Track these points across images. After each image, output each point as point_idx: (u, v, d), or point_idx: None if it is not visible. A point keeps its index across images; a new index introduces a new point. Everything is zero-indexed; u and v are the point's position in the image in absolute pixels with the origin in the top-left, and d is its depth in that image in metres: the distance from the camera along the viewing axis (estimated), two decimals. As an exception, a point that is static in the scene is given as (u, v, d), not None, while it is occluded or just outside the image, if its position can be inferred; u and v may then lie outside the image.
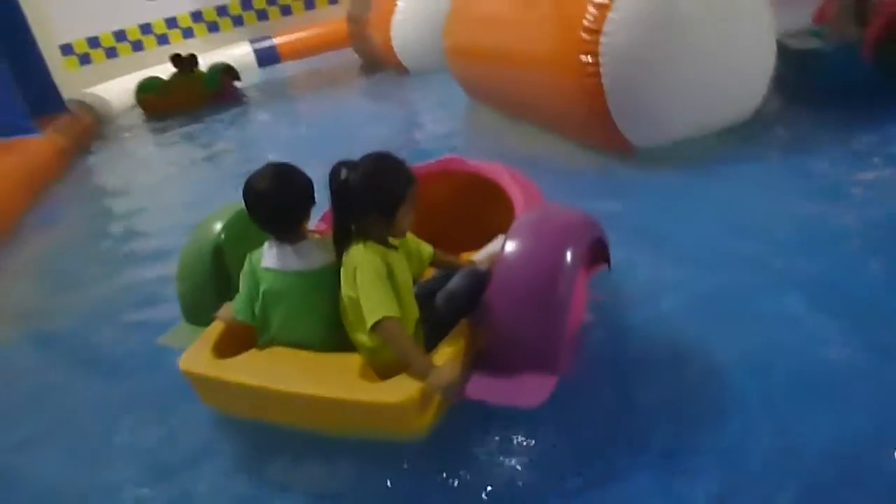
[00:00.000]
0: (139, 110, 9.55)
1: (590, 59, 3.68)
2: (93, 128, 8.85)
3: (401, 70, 7.86)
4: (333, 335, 2.19)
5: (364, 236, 2.09)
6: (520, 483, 1.85)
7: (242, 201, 2.20)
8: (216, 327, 2.30)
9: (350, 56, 10.16)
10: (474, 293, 2.18)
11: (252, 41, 11.48)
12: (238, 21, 11.82)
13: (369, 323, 1.93)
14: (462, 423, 2.01)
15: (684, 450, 1.84)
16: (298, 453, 2.11)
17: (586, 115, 3.89)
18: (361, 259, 2.03)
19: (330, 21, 11.77)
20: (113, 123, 9.40)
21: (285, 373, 2.06)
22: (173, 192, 5.73)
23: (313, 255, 2.19)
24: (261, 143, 6.81)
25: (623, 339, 2.37)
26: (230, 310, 2.32)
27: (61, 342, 3.27)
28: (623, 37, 3.60)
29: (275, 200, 2.17)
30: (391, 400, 1.85)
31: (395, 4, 7.55)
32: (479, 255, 2.48)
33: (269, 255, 2.20)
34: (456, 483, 1.90)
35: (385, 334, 1.93)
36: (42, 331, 3.46)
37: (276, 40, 11.56)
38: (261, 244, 2.30)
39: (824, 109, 4.16)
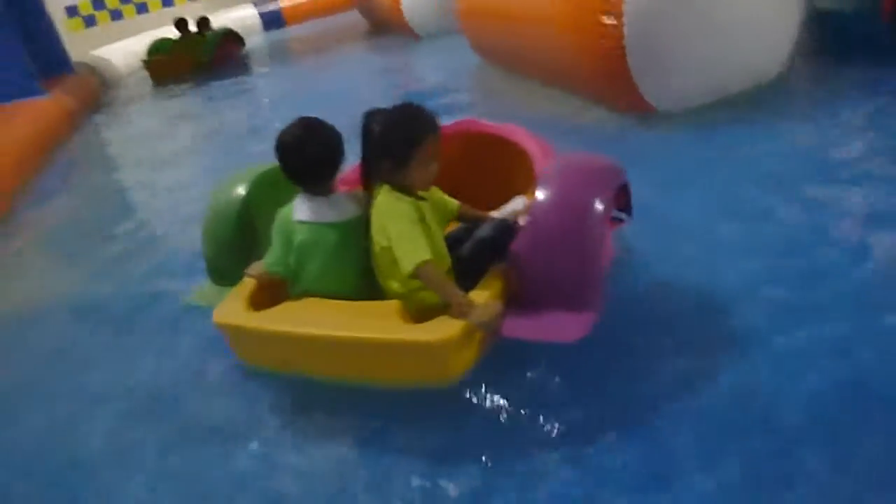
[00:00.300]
0: (145, 74, 9.55)
1: (612, 19, 3.64)
2: (99, 91, 8.79)
3: (409, 34, 7.77)
4: (365, 284, 2.25)
5: (388, 183, 2.13)
6: (550, 429, 1.87)
7: (259, 163, 2.21)
8: (247, 283, 2.32)
9: (354, 19, 10.07)
10: (502, 242, 2.22)
11: (256, 4, 11.33)
12: (243, -17, 11.68)
13: (407, 268, 1.97)
14: (490, 372, 2.02)
15: (702, 387, 1.89)
16: (331, 407, 2.13)
17: (607, 75, 3.85)
18: (392, 207, 2.07)
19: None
20: (119, 86, 9.34)
21: (323, 319, 2.08)
22: (181, 156, 5.73)
23: (346, 207, 2.23)
24: (267, 106, 6.78)
25: (644, 285, 2.40)
26: (261, 266, 2.34)
27: (82, 309, 3.24)
28: (646, -2, 3.55)
29: (308, 152, 2.20)
30: (433, 338, 1.87)
31: (405, -33, 7.43)
32: (500, 214, 2.48)
33: (301, 209, 2.23)
34: (491, 432, 1.91)
35: (424, 277, 1.97)
36: (63, 296, 3.45)
37: (281, 3, 11.41)
38: (282, 204, 2.33)
39: (845, 68, 4.12)
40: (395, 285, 2.14)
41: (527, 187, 2.69)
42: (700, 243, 2.60)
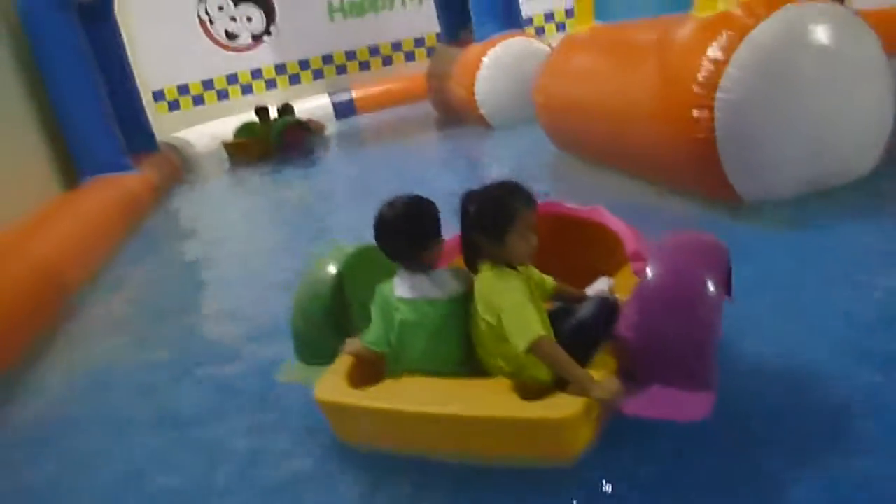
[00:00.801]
0: (222, 155, 10.01)
1: (705, 112, 3.72)
2: (181, 169, 9.20)
3: (482, 124, 8.00)
4: (467, 363, 2.24)
5: (489, 260, 2.16)
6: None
7: (344, 241, 2.28)
8: (344, 360, 2.33)
9: (423, 110, 10.45)
10: (605, 321, 2.22)
11: (331, 94, 11.86)
12: (318, 74, 12.25)
13: (524, 344, 1.97)
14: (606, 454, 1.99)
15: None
16: (444, 486, 2.09)
17: (697, 166, 3.90)
18: (500, 282, 2.10)
19: (405, 76, 12.15)
20: (197, 166, 9.76)
21: (436, 397, 2.07)
22: (256, 231, 5.99)
23: (448, 284, 2.25)
24: (339, 189, 6.94)
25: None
26: (358, 343, 2.37)
27: (161, 379, 3.27)
28: (740, 93, 3.63)
29: (410, 228, 2.25)
30: (558, 415, 1.85)
31: (481, 61, 7.73)
32: (589, 292, 2.50)
33: (402, 286, 2.25)
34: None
35: (541, 353, 1.97)
36: (140, 365, 3.50)
37: (354, 93, 11.90)
38: (375, 281, 2.39)
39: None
40: (500, 363, 2.13)
41: (611, 269, 2.73)
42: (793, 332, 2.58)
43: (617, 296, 2.40)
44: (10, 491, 2.60)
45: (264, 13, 11.87)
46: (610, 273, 2.73)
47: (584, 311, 2.29)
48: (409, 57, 12.55)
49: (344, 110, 11.71)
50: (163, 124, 10.55)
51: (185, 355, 3.47)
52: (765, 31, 3.64)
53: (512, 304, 2.05)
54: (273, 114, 9.50)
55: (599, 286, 2.56)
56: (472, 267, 2.25)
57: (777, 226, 3.69)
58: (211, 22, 11.67)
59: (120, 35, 8.63)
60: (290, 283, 3.93)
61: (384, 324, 2.27)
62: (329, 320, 2.51)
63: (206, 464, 2.48)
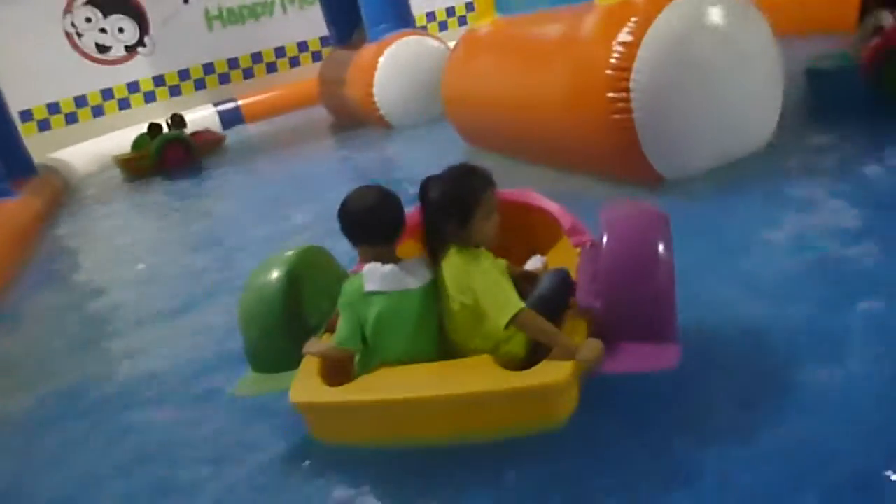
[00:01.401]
0: (102, 175, 9.67)
1: (621, 94, 3.88)
2: (62, 192, 8.64)
3: (382, 125, 7.98)
4: (440, 348, 2.28)
5: (455, 244, 2.21)
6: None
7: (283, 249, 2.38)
8: (311, 362, 2.30)
9: (315, 115, 10.31)
10: (565, 293, 2.35)
11: (216, 103, 11.47)
12: (200, 84, 11.81)
13: (505, 319, 2.04)
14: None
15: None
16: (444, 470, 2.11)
17: (615, 149, 4.06)
18: (473, 264, 2.15)
19: (291, 83, 11.92)
20: (80, 187, 9.20)
21: (426, 381, 2.10)
22: (156, 249, 5.72)
23: (421, 272, 2.27)
24: (239, 205, 6.65)
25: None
26: (320, 345, 2.36)
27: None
28: (653, 74, 3.81)
29: (384, 213, 2.28)
30: (552, 380, 1.93)
31: (378, 61, 7.71)
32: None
33: (374, 279, 2.23)
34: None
35: (525, 324, 2.07)
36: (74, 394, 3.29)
37: (240, 101, 11.57)
38: (319, 283, 2.48)
39: (828, 126, 4.51)
40: (476, 343, 2.18)
41: (544, 246, 2.89)
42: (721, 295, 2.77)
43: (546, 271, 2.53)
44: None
45: (137, 24, 11.31)
46: (543, 251, 2.86)
47: (544, 285, 2.38)
48: (294, 62, 12.32)
49: (231, 119, 11.36)
50: (32, 146, 9.80)
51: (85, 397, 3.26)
52: (669, 15, 3.85)
53: (487, 282, 2.11)
54: (165, 127, 9.19)
55: (533, 264, 2.71)
56: (434, 253, 2.28)
57: (694, 198, 3.90)
58: (79, 35, 10.99)
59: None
60: (194, 307, 3.99)
61: (354, 321, 2.24)
62: (284, 324, 2.45)
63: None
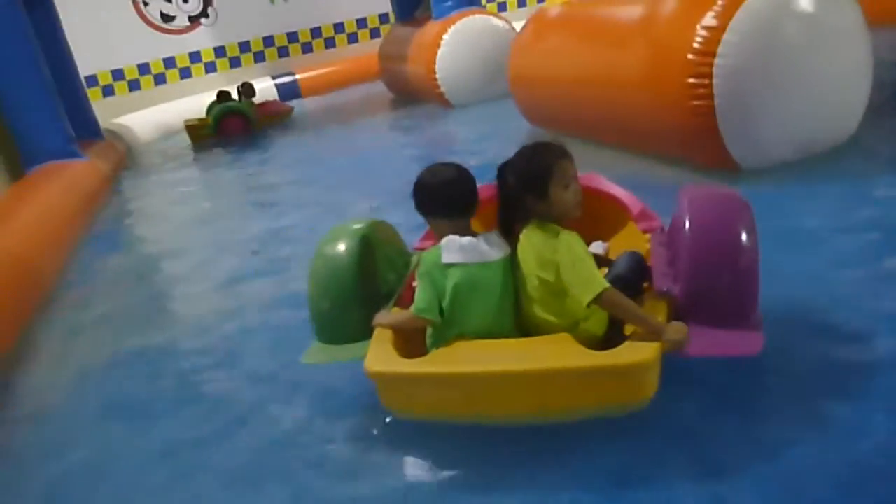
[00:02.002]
0: (164, 142, 9.87)
1: (702, 80, 3.80)
2: (125, 157, 8.82)
3: (442, 103, 7.96)
4: (516, 322, 2.29)
5: (536, 219, 2.23)
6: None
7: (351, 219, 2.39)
8: (384, 333, 2.30)
9: (373, 90, 10.34)
10: (640, 276, 2.35)
11: (274, 77, 11.57)
12: (259, 57, 11.93)
13: (590, 296, 2.04)
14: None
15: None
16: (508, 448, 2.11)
17: (693, 134, 3.99)
18: (558, 239, 2.15)
19: (349, 58, 11.96)
20: (140, 153, 9.39)
21: (505, 356, 2.08)
22: (218, 216, 5.78)
23: (499, 245, 2.29)
24: (302, 179, 6.60)
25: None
26: (392, 315, 2.37)
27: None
28: (737, 59, 3.73)
29: (463, 186, 2.32)
30: (638, 359, 1.91)
31: (441, 38, 7.68)
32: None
33: (452, 250, 2.24)
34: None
35: (609, 303, 2.04)
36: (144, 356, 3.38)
37: (298, 75, 11.65)
38: (385, 256, 2.53)
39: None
40: (553, 319, 2.19)
41: (608, 232, 2.87)
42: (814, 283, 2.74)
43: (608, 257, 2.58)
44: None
45: (201, -6, 11.46)
46: (607, 236, 2.86)
47: (620, 266, 2.38)
48: (352, 38, 12.36)
49: (288, 93, 11.44)
50: (97, 111, 10.03)
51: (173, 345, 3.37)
52: (757, 0, 3.74)
53: (572, 258, 2.11)
54: (235, 94, 9.40)
55: (594, 250, 2.64)
56: (509, 230, 2.31)
57: (774, 190, 3.82)
58: (145, 3, 11.18)
59: (58, 19, 8.18)
60: (257, 274, 4.06)
61: (432, 291, 2.25)
62: (356, 294, 2.45)
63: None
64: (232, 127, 8.83)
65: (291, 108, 9.73)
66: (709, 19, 3.82)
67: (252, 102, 9.31)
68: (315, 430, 2.44)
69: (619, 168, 4.67)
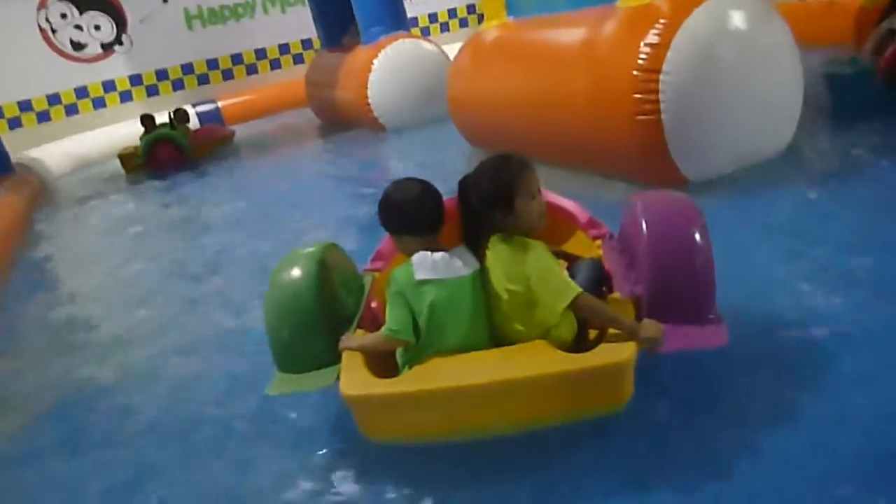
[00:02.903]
0: (79, 174, 9.46)
1: (650, 95, 3.89)
2: (39, 191, 8.34)
3: (375, 127, 7.91)
4: (490, 335, 2.28)
5: (502, 233, 2.24)
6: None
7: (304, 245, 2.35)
8: (353, 356, 2.23)
9: (299, 117, 10.19)
10: (600, 283, 2.42)
11: (195, 104, 11.24)
12: (178, 84, 11.58)
13: (564, 303, 2.07)
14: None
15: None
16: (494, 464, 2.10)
17: (640, 150, 4.07)
18: (525, 251, 2.18)
19: (274, 84, 11.76)
20: (55, 189, 8.89)
21: (488, 368, 2.06)
22: (140, 251, 5.47)
23: (469, 259, 2.28)
24: (234, 211, 6.30)
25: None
26: (360, 338, 2.31)
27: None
28: (682, 75, 3.83)
29: (430, 202, 2.31)
30: (618, 359, 1.94)
31: (372, 63, 7.64)
32: None
33: (425, 267, 2.22)
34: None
35: (584, 307, 2.09)
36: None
37: (220, 102, 11.36)
38: (342, 278, 2.50)
39: (846, 129, 4.64)
40: (525, 330, 2.20)
41: (558, 241, 2.90)
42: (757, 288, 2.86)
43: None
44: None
45: (113, 21, 11.04)
46: (556, 245, 2.84)
47: (580, 275, 2.42)
48: (275, 65, 12.15)
49: (210, 121, 11.09)
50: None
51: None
52: (698, 18, 3.88)
53: (542, 268, 2.13)
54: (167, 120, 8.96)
55: None
56: (475, 245, 2.29)
57: (716, 199, 3.92)
58: (53, 31, 10.68)
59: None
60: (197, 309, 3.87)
61: (407, 311, 2.21)
62: (317, 320, 2.36)
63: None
64: (163, 156, 8.35)
65: (233, 132, 9.35)
66: (651, 37, 3.92)
67: (187, 128, 8.94)
68: (289, 467, 2.32)
69: (564, 186, 4.68)
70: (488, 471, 2.07)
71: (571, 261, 2.57)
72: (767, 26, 4.08)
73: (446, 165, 5.72)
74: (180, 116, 9.02)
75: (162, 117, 9.11)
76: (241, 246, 4.89)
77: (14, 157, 9.18)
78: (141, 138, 8.64)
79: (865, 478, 1.80)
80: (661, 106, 3.88)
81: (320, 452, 2.33)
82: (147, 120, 8.76)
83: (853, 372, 2.22)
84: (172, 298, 4.20)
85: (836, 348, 2.35)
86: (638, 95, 3.95)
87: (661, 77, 3.85)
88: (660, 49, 3.87)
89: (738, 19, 3.96)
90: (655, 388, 2.22)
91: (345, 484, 2.16)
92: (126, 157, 8.64)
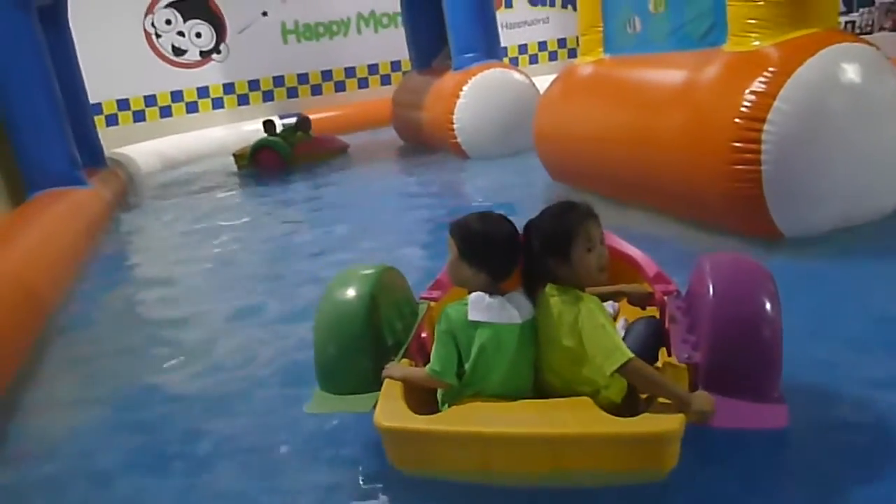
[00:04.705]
0: (165, 173, 9.84)
1: (750, 145, 3.73)
2: (127, 187, 8.65)
3: (457, 153, 7.90)
4: (533, 385, 2.22)
5: (558, 282, 2.17)
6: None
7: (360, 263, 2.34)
8: (393, 386, 2.19)
9: (382, 136, 10.30)
10: (656, 344, 2.33)
11: (282, 116, 11.48)
12: (268, 96, 11.90)
13: (613, 366, 1.96)
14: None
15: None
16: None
17: (736, 200, 3.90)
18: (582, 304, 2.09)
19: (360, 102, 11.97)
20: (141, 184, 9.22)
21: (524, 418, 2.00)
22: (225, 253, 5.58)
23: (524, 306, 2.21)
24: (311, 219, 6.55)
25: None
26: (403, 368, 2.28)
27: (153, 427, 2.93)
28: (788, 127, 3.66)
29: (518, 245, 2.24)
30: (659, 429, 1.85)
31: (461, 89, 7.66)
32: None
33: (480, 308, 2.17)
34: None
35: (634, 373, 1.98)
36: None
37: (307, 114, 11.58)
38: (393, 304, 2.47)
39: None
40: (575, 386, 2.12)
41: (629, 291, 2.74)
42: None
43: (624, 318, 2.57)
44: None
45: (214, 30, 11.46)
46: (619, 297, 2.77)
47: (635, 333, 2.37)
48: (363, 83, 12.38)
49: (295, 133, 11.33)
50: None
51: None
52: (810, 68, 3.71)
53: (593, 325, 2.04)
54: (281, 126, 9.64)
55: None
56: (533, 292, 2.23)
57: (812, 261, 3.72)
58: (157, 36, 11.16)
59: (73, 42, 8.08)
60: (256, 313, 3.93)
61: (453, 352, 2.17)
62: (365, 343, 2.35)
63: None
64: (266, 160, 8.95)
65: (347, 145, 9.65)
66: (758, 84, 3.77)
67: (307, 135, 9.43)
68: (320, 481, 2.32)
69: (647, 230, 4.58)
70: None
71: (628, 299, 2.54)
72: (882, 81, 3.87)
73: (525, 200, 5.64)
74: (302, 124, 9.51)
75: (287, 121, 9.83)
76: (310, 259, 4.97)
77: (107, 153, 9.59)
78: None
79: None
80: (763, 157, 3.72)
81: (353, 474, 2.32)
82: (268, 124, 9.44)
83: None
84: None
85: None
86: (738, 144, 3.80)
87: (765, 127, 3.69)
88: (766, 97, 3.71)
89: (852, 72, 3.77)
90: (702, 458, 2.08)
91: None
92: (238, 157, 9.27)
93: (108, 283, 5.11)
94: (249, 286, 4.57)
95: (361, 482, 2.28)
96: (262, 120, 9.63)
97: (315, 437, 2.56)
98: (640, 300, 2.58)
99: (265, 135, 9.29)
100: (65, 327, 4.18)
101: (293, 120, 9.81)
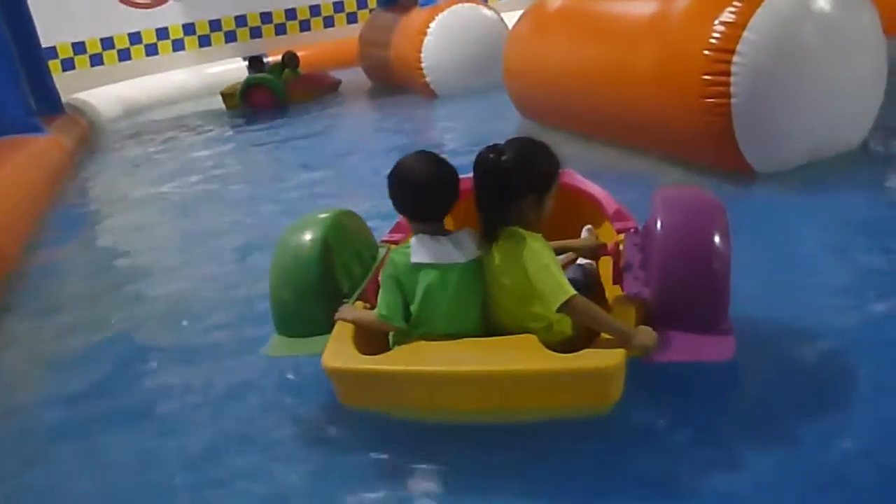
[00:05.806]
0: (123, 121, 9.50)
1: (720, 77, 3.68)
2: (89, 134, 8.39)
3: (426, 93, 7.75)
4: (483, 324, 2.22)
5: (517, 223, 2.12)
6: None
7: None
8: (344, 328, 2.21)
9: (349, 76, 10.05)
10: (586, 286, 2.36)
11: (245, 58, 11.14)
12: (231, 36, 11.52)
13: (558, 303, 1.97)
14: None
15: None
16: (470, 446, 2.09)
17: (706, 134, 3.88)
18: (526, 245, 2.07)
19: (326, 42, 11.64)
20: (102, 130, 8.94)
21: (466, 357, 2.02)
22: (190, 196, 5.52)
23: (469, 246, 2.19)
24: (281, 158, 6.48)
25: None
26: (355, 311, 2.29)
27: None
28: (758, 58, 3.62)
29: (442, 188, 2.19)
30: (599, 364, 1.88)
31: (428, 27, 7.47)
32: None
33: (422, 251, 2.16)
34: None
35: (577, 310, 1.99)
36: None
37: (271, 57, 11.25)
38: (350, 248, 2.47)
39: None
40: (526, 323, 2.13)
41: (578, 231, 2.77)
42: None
43: (601, 241, 2.57)
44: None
45: (171, -33, 10.98)
46: (580, 234, 2.78)
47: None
48: (328, 22, 12.00)
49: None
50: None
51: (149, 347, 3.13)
52: (778, -2, 3.64)
53: (539, 265, 2.04)
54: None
55: (584, 235, 2.69)
56: (492, 231, 2.16)
57: (780, 195, 3.73)
58: (111, -26, 10.66)
59: (21, -17, 7.69)
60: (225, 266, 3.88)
61: (398, 294, 2.18)
62: (319, 287, 2.35)
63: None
64: (258, 99, 8.64)
65: (338, 81, 9.38)
66: (727, 16, 3.71)
67: (295, 73, 9.10)
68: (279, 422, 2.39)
69: (620, 166, 4.56)
70: (466, 461, 2.06)
71: (581, 254, 2.55)
72: (854, 11, 3.82)
73: (497, 139, 5.52)
74: (290, 60, 9.16)
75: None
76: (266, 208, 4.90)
77: (65, 99, 9.26)
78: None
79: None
80: (732, 90, 3.68)
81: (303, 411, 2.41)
82: (255, 61, 9.15)
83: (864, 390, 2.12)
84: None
85: (849, 375, 2.22)
86: (707, 77, 3.75)
87: (734, 58, 3.64)
88: (735, 28, 3.65)
89: (823, 1, 3.71)
90: (648, 389, 2.15)
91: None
92: (227, 96, 8.93)
93: (72, 233, 4.99)
94: (216, 233, 4.49)
95: (314, 420, 2.36)
96: (244, 57, 9.35)
97: (279, 381, 2.60)
98: (592, 253, 2.54)
99: (248, 74, 8.94)
100: (28, 278, 4.08)
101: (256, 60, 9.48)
